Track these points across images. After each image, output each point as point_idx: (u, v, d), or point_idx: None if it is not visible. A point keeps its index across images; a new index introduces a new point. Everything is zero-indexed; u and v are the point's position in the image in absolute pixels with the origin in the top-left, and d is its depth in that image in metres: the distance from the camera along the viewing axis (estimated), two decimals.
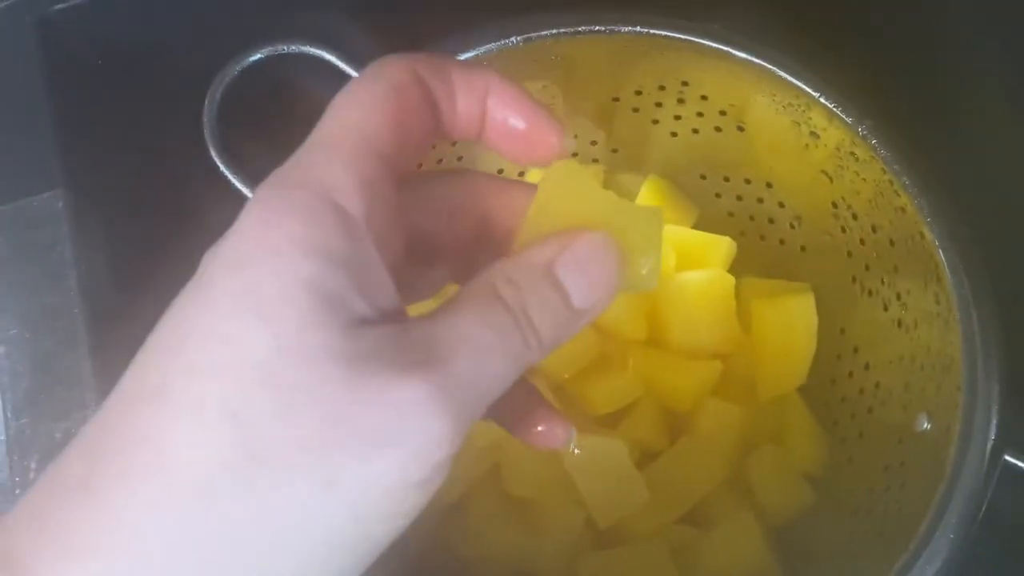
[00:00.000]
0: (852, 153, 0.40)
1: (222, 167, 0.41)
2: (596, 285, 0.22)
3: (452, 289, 0.23)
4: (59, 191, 0.37)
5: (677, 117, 0.46)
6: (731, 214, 0.49)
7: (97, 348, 0.34)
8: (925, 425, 0.37)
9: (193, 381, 0.18)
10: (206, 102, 0.41)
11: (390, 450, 0.18)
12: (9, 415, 0.33)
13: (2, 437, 0.33)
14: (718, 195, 0.49)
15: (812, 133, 0.42)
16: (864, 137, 0.39)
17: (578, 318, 0.22)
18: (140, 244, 0.38)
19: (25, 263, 0.36)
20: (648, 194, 0.47)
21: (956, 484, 0.33)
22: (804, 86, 0.40)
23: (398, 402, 0.18)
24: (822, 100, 0.40)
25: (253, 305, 0.18)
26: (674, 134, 0.47)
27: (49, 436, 0.33)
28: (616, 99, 0.46)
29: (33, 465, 0.32)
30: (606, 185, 0.49)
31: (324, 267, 0.19)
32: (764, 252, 0.48)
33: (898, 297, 0.40)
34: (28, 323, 0.35)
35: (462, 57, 0.41)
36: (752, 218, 0.48)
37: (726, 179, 0.48)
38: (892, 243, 0.40)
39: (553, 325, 0.21)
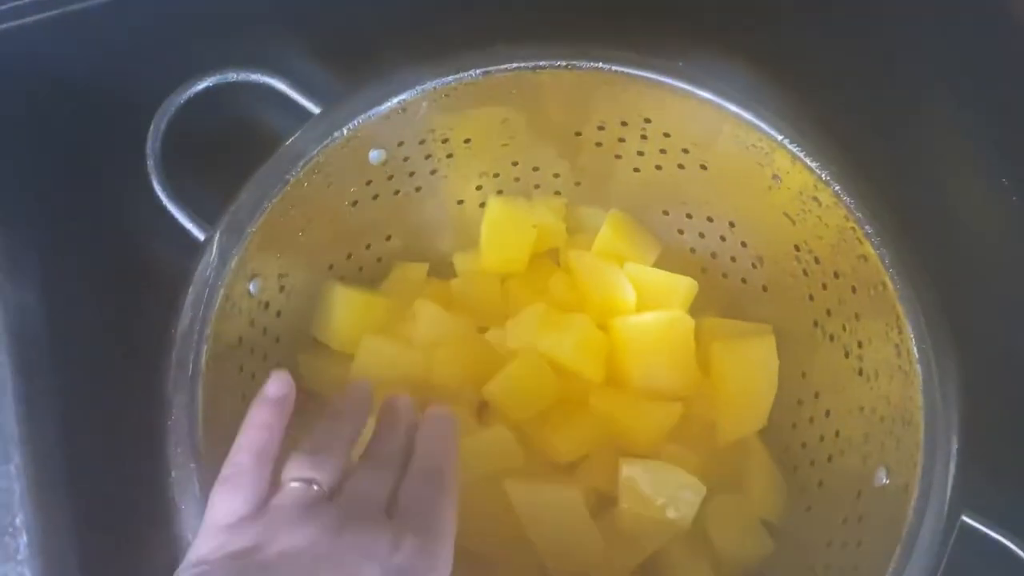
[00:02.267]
0: (815, 198, 0.39)
1: (165, 201, 0.39)
2: None
3: None
4: None
5: (640, 153, 0.45)
6: (693, 250, 0.48)
7: (25, 398, 0.32)
8: (884, 480, 0.36)
9: None
10: (150, 131, 0.39)
11: None
12: None
13: None
14: (680, 231, 0.48)
15: (775, 176, 0.41)
16: (827, 183, 0.38)
17: None
18: (77, 284, 0.36)
19: None
20: (610, 228, 0.46)
21: (914, 545, 0.32)
22: (768, 128, 0.39)
23: None
24: (786, 144, 0.39)
25: None
26: (637, 170, 0.46)
27: None
28: (578, 133, 0.45)
29: None
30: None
31: None
32: (726, 290, 0.47)
33: (859, 345, 0.40)
34: None
35: (422, 88, 0.40)
36: (714, 255, 0.47)
37: (688, 216, 0.47)
38: (854, 290, 0.39)
39: None
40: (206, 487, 0.33)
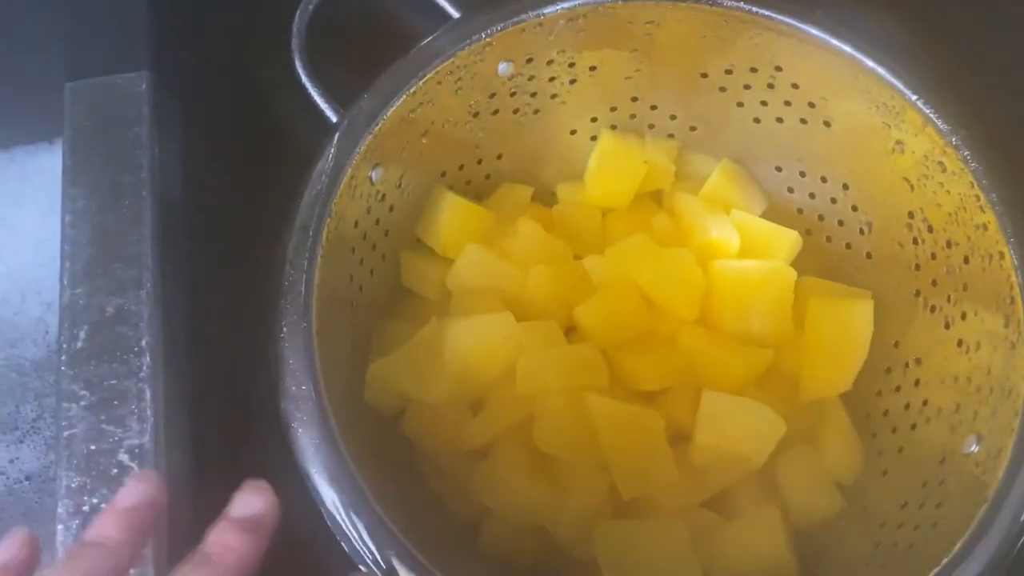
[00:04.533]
0: (940, 163, 0.39)
1: (304, 79, 0.41)
2: None
3: None
4: (144, 73, 0.37)
5: (763, 103, 0.45)
6: (800, 211, 0.48)
7: (161, 232, 0.34)
8: (973, 447, 0.36)
9: None
10: (299, 9, 0.41)
11: None
12: (65, 283, 0.33)
13: (56, 304, 0.33)
14: (791, 189, 0.48)
15: (898, 142, 0.41)
16: (956, 147, 0.38)
17: None
18: (215, 142, 0.38)
19: (102, 139, 0.36)
20: (721, 176, 0.47)
21: (1000, 508, 0.32)
22: (902, 86, 0.39)
23: None
24: (918, 104, 0.39)
25: None
26: (757, 120, 0.46)
27: (101, 309, 0.33)
28: (705, 75, 0.45)
29: (82, 335, 0.33)
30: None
31: None
32: (828, 254, 0.47)
33: (963, 316, 0.39)
34: (97, 197, 0.35)
35: (564, 5, 0.41)
36: (821, 218, 0.47)
37: (802, 174, 0.47)
38: (967, 260, 0.39)
39: None
40: (313, 345, 0.35)
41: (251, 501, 0.28)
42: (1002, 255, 0.37)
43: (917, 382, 0.42)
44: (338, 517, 0.33)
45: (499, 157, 0.48)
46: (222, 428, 0.35)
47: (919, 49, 0.39)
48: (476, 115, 0.45)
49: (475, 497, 0.40)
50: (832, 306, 0.43)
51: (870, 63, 0.40)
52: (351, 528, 0.33)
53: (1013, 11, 0.43)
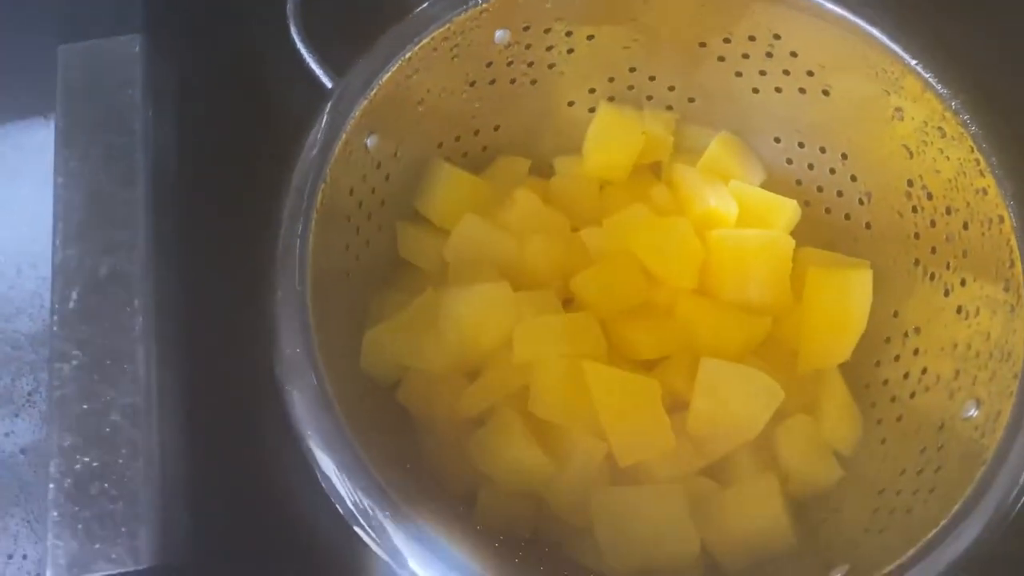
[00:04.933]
0: (940, 128, 0.39)
1: (301, 47, 0.40)
2: None
3: None
4: (138, 36, 0.36)
5: (762, 72, 0.45)
6: (799, 182, 0.47)
7: (154, 192, 0.34)
8: (972, 412, 0.36)
9: None
10: None
11: None
12: (58, 243, 0.33)
13: (49, 263, 0.33)
14: (789, 161, 0.47)
15: (897, 109, 0.40)
16: (956, 112, 0.38)
17: None
18: (209, 105, 0.38)
19: (96, 101, 0.35)
20: (719, 146, 0.46)
21: (999, 469, 0.32)
22: (901, 51, 0.39)
23: None
24: (918, 69, 0.39)
25: None
26: (756, 90, 0.46)
27: (94, 270, 0.33)
28: (703, 44, 0.45)
29: (74, 295, 0.32)
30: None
31: None
32: (827, 225, 0.46)
33: (962, 283, 0.39)
34: (90, 159, 0.35)
35: None
36: (820, 189, 0.47)
37: (800, 145, 0.47)
38: (966, 226, 0.39)
39: None
40: (308, 308, 0.35)
41: None
42: (1002, 219, 0.36)
43: (916, 351, 0.41)
44: (333, 479, 0.32)
45: (496, 129, 0.48)
46: (215, 390, 0.35)
47: (917, 14, 0.39)
48: (472, 84, 0.45)
49: (472, 465, 0.40)
50: (831, 276, 0.43)
51: (869, 28, 0.39)
52: (347, 490, 0.32)
53: None
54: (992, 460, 0.32)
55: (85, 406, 0.31)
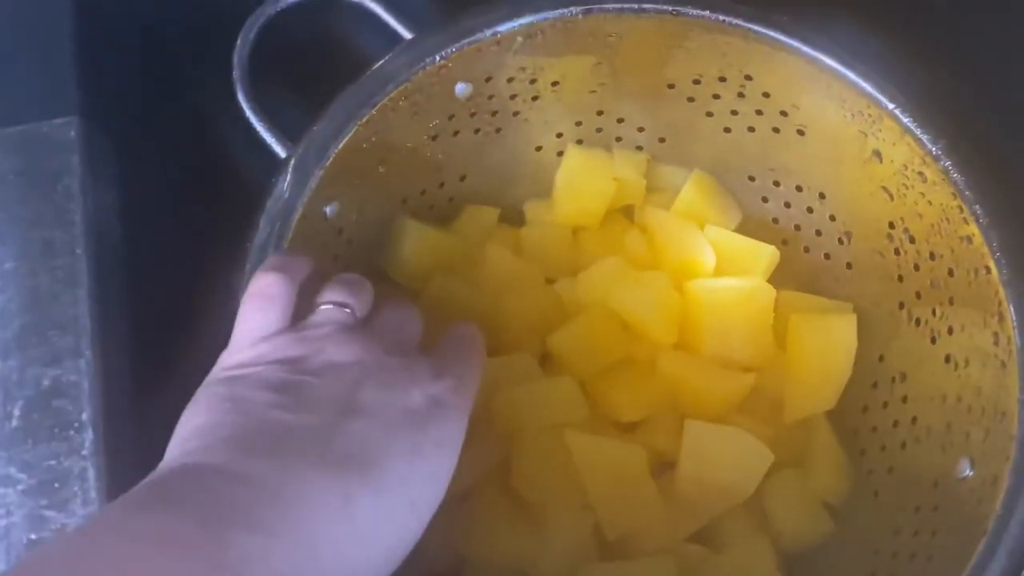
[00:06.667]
0: (920, 173, 0.38)
1: (248, 114, 0.38)
2: None
3: None
4: (74, 119, 0.34)
5: (734, 112, 0.43)
6: (776, 220, 0.46)
7: (98, 292, 0.32)
8: (967, 472, 0.35)
9: None
10: (239, 40, 0.38)
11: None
12: None
13: None
14: (764, 199, 0.46)
15: (875, 151, 0.39)
16: (936, 157, 0.37)
17: None
18: (156, 188, 0.36)
19: (31, 193, 0.33)
20: (693, 188, 0.45)
21: (1000, 540, 0.31)
22: (878, 95, 0.37)
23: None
24: (896, 113, 0.37)
25: None
26: (727, 130, 0.44)
27: (36, 382, 0.31)
28: (672, 86, 0.43)
29: (16, 412, 0.30)
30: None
31: None
32: (807, 265, 0.45)
33: (949, 331, 0.38)
34: (27, 258, 0.32)
35: (520, 22, 0.38)
36: (798, 228, 0.45)
37: (776, 184, 0.45)
38: (951, 273, 0.38)
39: None
40: None
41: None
42: (988, 269, 0.35)
43: (905, 398, 0.40)
44: None
45: (462, 179, 0.46)
46: None
47: (896, 56, 0.37)
48: (435, 138, 0.43)
49: (452, 545, 0.38)
50: (814, 322, 0.42)
51: (844, 71, 0.38)
52: None
53: (991, 17, 0.41)
54: (991, 532, 0.31)
55: (33, 536, 0.29)
